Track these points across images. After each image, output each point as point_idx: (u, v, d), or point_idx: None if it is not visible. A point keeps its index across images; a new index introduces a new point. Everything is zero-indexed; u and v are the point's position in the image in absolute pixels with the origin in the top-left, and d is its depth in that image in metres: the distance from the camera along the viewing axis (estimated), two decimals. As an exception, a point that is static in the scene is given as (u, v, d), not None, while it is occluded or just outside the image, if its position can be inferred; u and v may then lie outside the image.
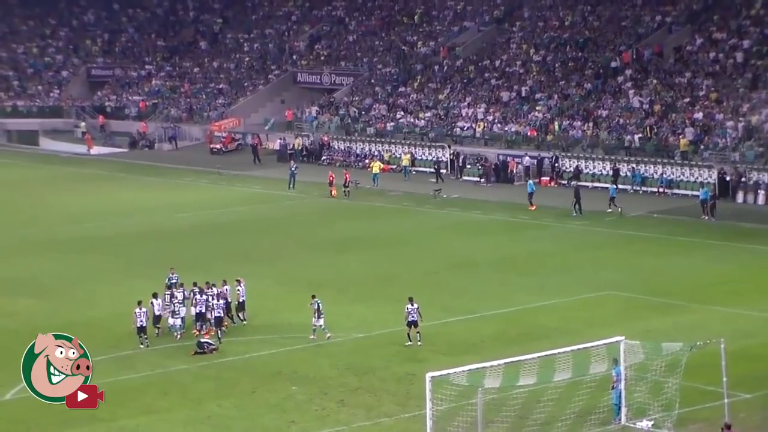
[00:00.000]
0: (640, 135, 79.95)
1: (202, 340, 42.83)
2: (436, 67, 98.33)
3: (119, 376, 40.31)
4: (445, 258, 58.53)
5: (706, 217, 67.12)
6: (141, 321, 43.60)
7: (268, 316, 47.30)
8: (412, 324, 43.25)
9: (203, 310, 44.61)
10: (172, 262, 57.69)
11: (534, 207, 70.05)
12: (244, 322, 46.24)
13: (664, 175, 75.67)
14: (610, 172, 77.39)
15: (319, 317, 44.28)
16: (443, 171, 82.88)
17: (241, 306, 46.42)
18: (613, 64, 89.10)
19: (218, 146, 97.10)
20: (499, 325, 46.50)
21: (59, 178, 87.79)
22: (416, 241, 62.87)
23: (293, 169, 79.97)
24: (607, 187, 73.26)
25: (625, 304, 49.61)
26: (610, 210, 68.90)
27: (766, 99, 79.48)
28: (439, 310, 48.46)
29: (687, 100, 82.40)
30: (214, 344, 42.85)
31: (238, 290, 46.37)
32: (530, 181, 73.58)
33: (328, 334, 44.27)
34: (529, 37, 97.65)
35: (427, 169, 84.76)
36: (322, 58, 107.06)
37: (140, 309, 43.84)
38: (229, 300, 45.54)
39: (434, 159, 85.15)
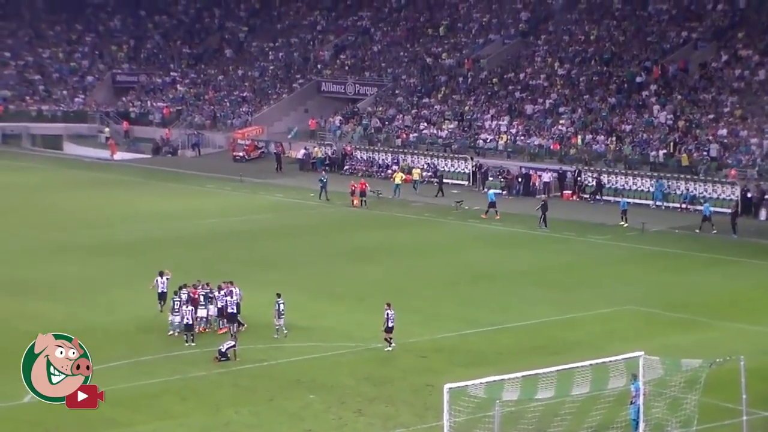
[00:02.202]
0: (664, 150, 79.86)
1: (222, 349, 42.89)
2: (461, 79, 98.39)
3: (138, 381, 40.38)
4: (466, 269, 58.51)
5: (698, 231, 67.88)
6: (162, 288, 48.02)
7: (288, 324, 47.29)
8: (391, 329, 43.91)
9: (222, 306, 45.82)
10: (193, 268, 57.94)
11: (498, 216, 71.25)
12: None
13: (688, 191, 75.52)
14: (632, 186, 77.80)
15: (279, 317, 45.28)
16: (446, 181, 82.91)
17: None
18: (638, 79, 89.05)
19: (241, 154, 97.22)
20: (518, 338, 46.48)
21: (82, 183, 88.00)
22: (437, 252, 62.88)
23: (323, 179, 79.96)
24: (629, 202, 73.50)
25: (645, 319, 49.56)
26: (622, 223, 69.20)
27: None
28: (458, 321, 48.51)
29: (711, 116, 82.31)
30: (233, 343, 43.00)
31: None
32: (491, 191, 74.58)
33: (285, 331, 45.36)
34: (554, 50, 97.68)
35: (450, 181, 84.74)
36: (347, 67, 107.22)
37: (161, 278, 48.35)
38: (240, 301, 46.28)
39: (440, 171, 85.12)
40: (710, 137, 79.94)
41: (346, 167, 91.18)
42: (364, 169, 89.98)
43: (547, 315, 49.57)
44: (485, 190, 78.86)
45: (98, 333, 46.44)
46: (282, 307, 45.52)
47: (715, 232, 67.85)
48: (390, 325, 44.13)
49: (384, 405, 38.42)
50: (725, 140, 79.33)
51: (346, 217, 73.45)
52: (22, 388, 39.44)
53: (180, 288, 46.63)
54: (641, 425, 35.07)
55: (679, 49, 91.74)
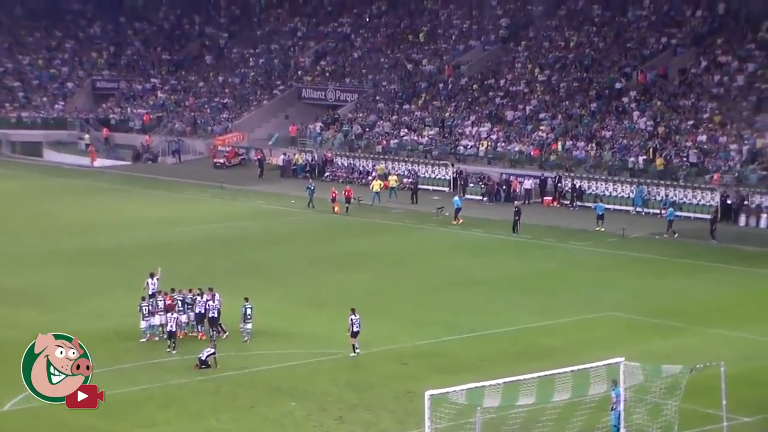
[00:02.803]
0: (644, 156, 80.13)
1: (203, 357, 42.90)
2: (441, 85, 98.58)
3: (120, 389, 40.33)
4: (447, 276, 58.55)
5: (666, 236, 68.41)
6: (153, 288, 47.81)
7: (269, 331, 47.29)
8: (357, 334, 44.11)
9: (202, 311, 45.92)
10: (175, 275, 57.85)
11: (460, 221, 71.79)
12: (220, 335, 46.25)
13: (668, 197, 75.74)
14: (612, 192, 78.16)
15: (245, 321, 45.43)
16: (427, 188, 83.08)
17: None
18: (618, 85, 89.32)
19: (222, 160, 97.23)
20: (499, 344, 46.55)
21: (62, 190, 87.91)
22: (418, 259, 62.94)
23: (311, 186, 79.97)
24: (607, 207, 73.83)
25: (625, 325, 49.67)
26: (598, 228, 69.48)
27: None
28: (439, 328, 48.60)
29: (691, 122, 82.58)
30: (212, 350, 43.02)
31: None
32: (456, 198, 75.38)
33: (246, 338, 45.34)
34: (534, 56, 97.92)
35: (431, 187, 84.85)
36: (327, 74, 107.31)
37: (152, 279, 48.43)
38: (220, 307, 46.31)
39: (412, 177, 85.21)
40: (689, 143, 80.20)
41: (327, 174, 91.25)
42: (344, 175, 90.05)
43: (529, 321, 49.65)
44: (462, 196, 79.20)
45: (80, 340, 46.41)
46: (249, 311, 45.55)
47: (676, 235, 68.47)
48: (355, 329, 44.22)
49: (365, 412, 38.46)
50: (705, 146, 79.57)
51: (327, 224, 73.45)
52: (2, 396, 39.54)
53: (153, 295, 47.01)
54: (622, 431, 35.21)
55: (658, 55, 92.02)
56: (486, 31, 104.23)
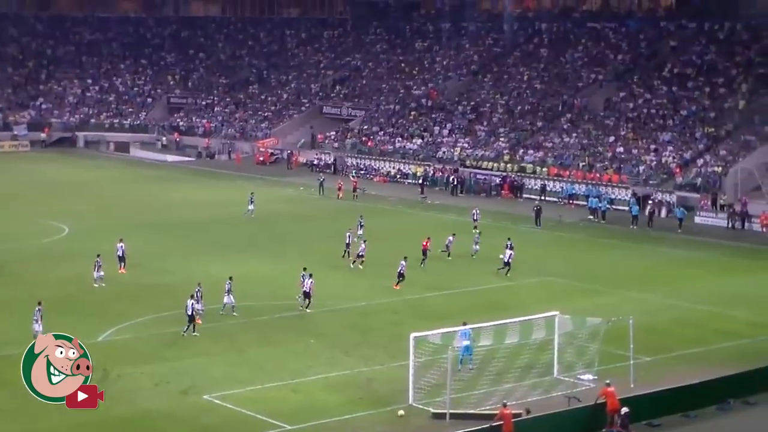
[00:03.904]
0: (583, 162, 79.62)
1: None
2: (427, 105, 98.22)
3: (183, 327, 40.32)
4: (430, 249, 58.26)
5: (591, 217, 68.99)
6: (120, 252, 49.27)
7: (297, 287, 47.19)
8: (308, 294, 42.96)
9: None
10: (225, 244, 57.92)
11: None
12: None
13: (591, 191, 75.24)
14: (552, 189, 77.96)
15: (228, 294, 41.86)
16: (427, 184, 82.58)
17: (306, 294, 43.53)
18: (559, 109, 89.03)
19: (262, 159, 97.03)
20: (468, 300, 46.58)
21: (144, 178, 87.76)
22: (408, 234, 62.63)
23: (321, 179, 79.81)
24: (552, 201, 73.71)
25: (561, 288, 49.67)
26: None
27: (669, 140, 79.60)
28: (424, 287, 48.58)
29: (612, 138, 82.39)
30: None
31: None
32: (476, 216, 73.15)
33: (222, 311, 42.13)
34: (496, 85, 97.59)
35: (416, 182, 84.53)
36: (342, 96, 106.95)
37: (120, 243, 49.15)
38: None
39: (421, 175, 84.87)
40: (610, 153, 79.97)
41: (341, 170, 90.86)
42: (353, 171, 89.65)
43: (488, 283, 49.68)
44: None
45: (154, 291, 46.49)
46: (229, 286, 42.16)
47: (592, 219, 68.77)
48: (305, 290, 42.90)
49: (366, 348, 38.54)
50: (622, 155, 79.36)
51: (339, 207, 73.22)
52: (97, 329, 39.46)
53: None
54: (555, 366, 35.16)
55: (589, 87, 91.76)
56: (461, 66, 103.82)
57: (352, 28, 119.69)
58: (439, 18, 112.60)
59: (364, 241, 52.49)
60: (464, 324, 35.16)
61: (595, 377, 34.45)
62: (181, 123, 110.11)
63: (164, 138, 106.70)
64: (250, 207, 67.06)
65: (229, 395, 33.16)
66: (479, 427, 29.45)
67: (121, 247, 50.02)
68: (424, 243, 52.84)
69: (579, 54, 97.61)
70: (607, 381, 31.53)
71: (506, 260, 51.12)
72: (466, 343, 34.81)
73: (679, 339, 40.70)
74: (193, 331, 39.56)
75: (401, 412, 31.80)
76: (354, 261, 51.46)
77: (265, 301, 44.20)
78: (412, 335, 32.74)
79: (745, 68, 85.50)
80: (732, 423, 32.30)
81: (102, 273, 46.83)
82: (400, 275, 47.40)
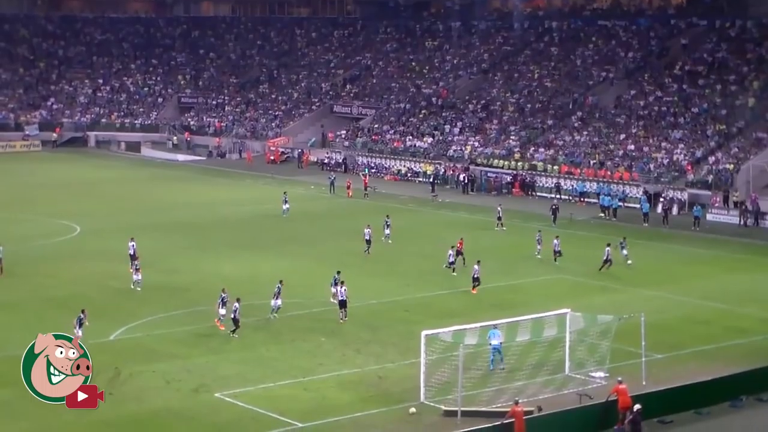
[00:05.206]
0: (594, 160, 79.52)
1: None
2: (437, 104, 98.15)
3: (194, 326, 40.37)
4: (438, 246, 58.09)
5: (602, 215, 69.10)
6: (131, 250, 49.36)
7: (307, 286, 47.20)
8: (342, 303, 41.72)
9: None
10: (235, 243, 57.92)
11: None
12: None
13: (602, 188, 75.11)
14: (563, 186, 77.75)
15: (222, 307, 40.12)
16: (438, 182, 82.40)
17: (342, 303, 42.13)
18: (570, 107, 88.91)
19: (273, 158, 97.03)
20: (479, 298, 46.49)
21: (155, 177, 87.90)
22: (418, 233, 62.77)
23: (332, 178, 79.78)
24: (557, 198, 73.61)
25: (572, 285, 49.59)
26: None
27: (681, 138, 79.37)
28: (435, 285, 48.57)
29: (623, 135, 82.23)
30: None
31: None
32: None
33: (275, 315, 41.48)
34: (506, 84, 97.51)
35: (427, 180, 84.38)
36: (352, 94, 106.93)
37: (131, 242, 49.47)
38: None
39: (432, 173, 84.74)
40: (621, 151, 79.82)
41: (351, 168, 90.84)
42: (364, 169, 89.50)
43: (498, 281, 49.54)
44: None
45: (164, 290, 46.50)
46: (278, 289, 41.57)
47: (603, 216, 68.74)
48: (341, 299, 41.82)
49: (377, 346, 38.49)
50: (633, 153, 79.22)
51: (349, 206, 73.21)
52: (109, 328, 39.51)
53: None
54: (567, 363, 35.09)
55: (599, 85, 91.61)
56: (471, 64, 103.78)
57: (362, 28, 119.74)
58: (449, 17, 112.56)
59: (478, 262, 47.94)
60: (495, 327, 35.05)
61: (607, 374, 34.38)
62: (191, 122, 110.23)
63: (175, 137, 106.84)
64: (285, 206, 66.98)
65: (241, 393, 33.16)
66: (491, 425, 29.39)
67: (133, 246, 50.07)
68: (458, 244, 51.88)
69: (589, 52, 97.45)
70: (619, 378, 31.44)
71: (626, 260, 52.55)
72: (495, 342, 34.76)
73: (691, 336, 40.59)
74: (234, 333, 39.04)
75: (413, 409, 31.76)
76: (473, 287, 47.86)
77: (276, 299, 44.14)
78: (423, 333, 32.71)
79: (756, 66, 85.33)
80: (744, 419, 32.18)
81: (139, 276, 46.32)
82: (475, 279, 47.04)
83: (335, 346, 38.31)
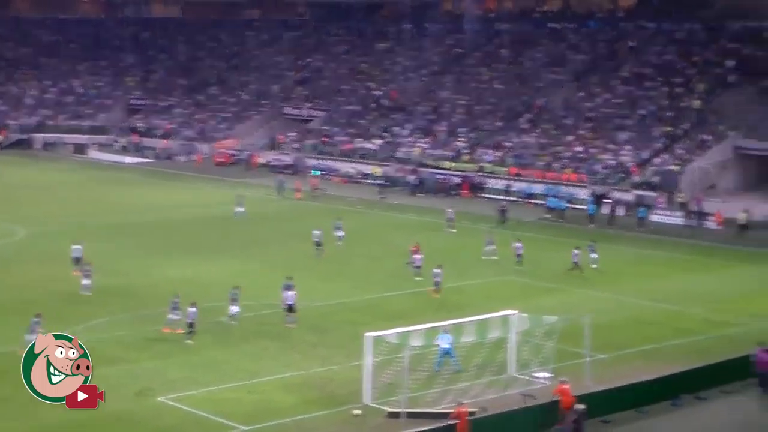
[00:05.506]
0: (541, 162, 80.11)
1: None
2: (387, 106, 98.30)
3: (142, 329, 40.12)
4: (388, 248, 58.40)
5: (552, 218, 69.21)
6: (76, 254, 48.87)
7: (255, 289, 47.06)
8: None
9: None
10: (183, 246, 57.60)
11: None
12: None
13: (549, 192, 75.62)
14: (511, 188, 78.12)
15: (173, 312, 39.95)
16: (386, 184, 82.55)
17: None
18: (518, 109, 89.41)
19: (222, 160, 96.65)
20: (425, 299, 46.58)
21: (102, 180, 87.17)
22: (365, 235, 62.79)
23: (281, 180, 79.61)
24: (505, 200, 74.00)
25: (519, 286, 49.85)
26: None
27: (627, 139, 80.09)
28: (381, 287, 48.58)
29: (571, 137, 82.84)
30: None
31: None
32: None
33: (233, 322, 41.14)
34: (456, 86, 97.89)
35: (376, 182, 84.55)
36: (303, 97, 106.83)
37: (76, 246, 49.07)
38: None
39: (380, 175, 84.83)
40: (569, 153, 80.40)
41: (300, 171, 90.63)
42: (313, 171, 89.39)
43: (447, 283, 49.54)
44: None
45: (113, 293, 46.14)
46: (235, 295, 41.47)
47: (549, 218, 69.30)
48: (290, 302, 41.73)
49: (323, 349, 38.46)
50: (580, 155, 79.83)
51: (297, 208, 73.09)
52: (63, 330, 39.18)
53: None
54: (512, 364, 35.24)
55: (549, 87, 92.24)
56: (422, 66, 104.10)
57: (313, 30, 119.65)
58: (401, 19, 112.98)
59: (440, 266, 47.92)
60: (444, 330, 35.16)
61: (551, 375, 34.61)
62: (140, 124, 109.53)
63: (123, 139, 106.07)
64: (239, 209, 66.73)
65: (185, 397, 33.00)
66: (435, 426, 29.49)
67: (79, 249, 49.59)
68: (413, 249, 51.78)
69: (539, 54, 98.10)
70: (562, 378, 31.69)
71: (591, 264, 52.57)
72: (445, 345, 34.87)
73: (636, 336, 40.98)
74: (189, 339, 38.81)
75: (357, 411, 31.80)
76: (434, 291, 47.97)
77: (223, 303, 43.95)
78: (366, 335, 32.74)
79: (702, 69, 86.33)
80: (683, 418, 32.58)
81: (89, 281, 45.76)
82: (436, 284, 47.00)
83: (281, 349, 38.25)
